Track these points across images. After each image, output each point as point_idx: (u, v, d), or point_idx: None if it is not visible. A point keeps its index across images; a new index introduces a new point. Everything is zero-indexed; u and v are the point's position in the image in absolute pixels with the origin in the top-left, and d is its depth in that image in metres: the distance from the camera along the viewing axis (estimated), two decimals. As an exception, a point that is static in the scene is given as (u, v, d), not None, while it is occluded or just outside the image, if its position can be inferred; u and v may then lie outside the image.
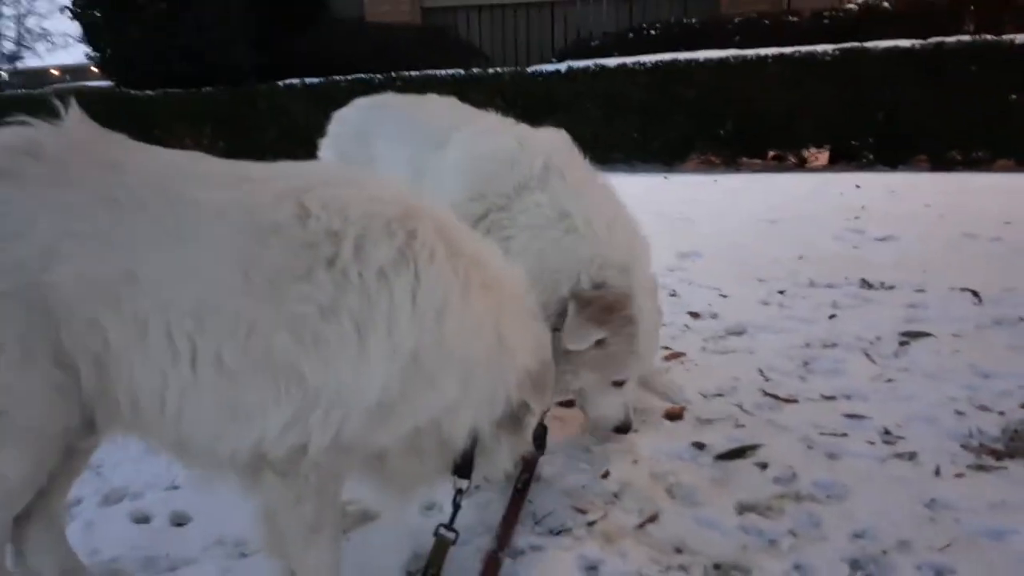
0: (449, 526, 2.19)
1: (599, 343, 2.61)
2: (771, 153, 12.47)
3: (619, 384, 2.76)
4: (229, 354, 1.71)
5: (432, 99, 3.64)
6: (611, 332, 2.60)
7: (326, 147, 3.78)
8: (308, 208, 1.79)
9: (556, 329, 2.58)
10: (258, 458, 1.81)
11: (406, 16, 16.02)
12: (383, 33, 14.34)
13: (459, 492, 2.14)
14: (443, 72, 11.87)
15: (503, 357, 1.97)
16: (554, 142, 2.96)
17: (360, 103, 3.80)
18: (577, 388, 2.80)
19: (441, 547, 2.19)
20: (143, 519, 2.60)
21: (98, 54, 15.38)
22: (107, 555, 2.38)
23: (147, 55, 14.30)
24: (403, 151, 3.28)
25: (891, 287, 4.96)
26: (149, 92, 13.86)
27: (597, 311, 2.58)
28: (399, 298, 1.77)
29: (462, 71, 12.11)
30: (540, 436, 2.64)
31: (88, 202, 1.70)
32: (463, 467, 2.09)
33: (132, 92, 14.12)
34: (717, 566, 2.25)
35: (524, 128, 3.11)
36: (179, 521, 2.58)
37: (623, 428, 2.83)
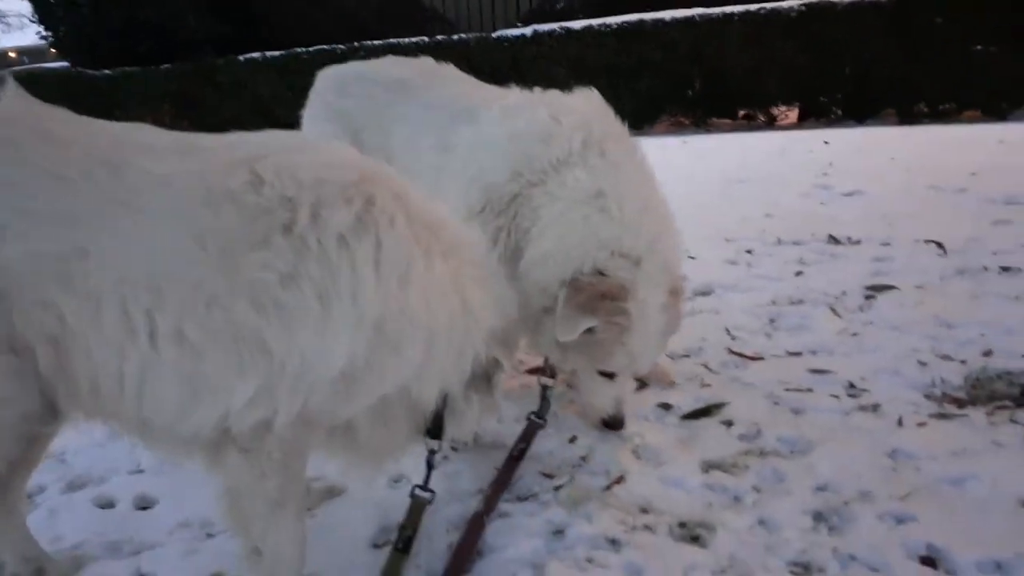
0: (424, 487, 2.21)
1: (588, 330, 2.47)
2: (741, 112, 12.48)
3: (609, 376, 2.62)
4: (189, 327, 1.67)
5: (442, 72, 3.38)
6: (601, 321, 2.45)
7: (319, 118, 3.51)
8: (261, 175, 1.75)
9: (546, 307, 2.53)
10: (222, 435, 1.78)
11: (368, -17, 15.74)
12: (346, 1, 14.09)
13: (432, 453, 2.17)
14: (407, 40, 11.72)
15: (468, 320, 2.00)
16: (591, 112, 2.77)
17: (370, 80, 3.43)
18: (568, 370, 2.73)
19: (417, 507, 2.20)
20: (107, 504, 2.58)
21: (51, 34, 14.98)
22: (70, 541, 2.35)
23: (103, 33, 13.97)
24: (428, 134, 3.07)
25: (857, 242, 4.99)
26: (107, 71, 13.56)
27: (588, 298, 2.43)
28: (362, 266, 1.75)
29: (426, 38, 11.95)
30: (544, 408, 2.79)
31: (33, 178, 1.64)
32: (434, 429, 2.12)
33: (90, 72, 13.82)
34: (682, 524, 2.26)
35: (556, 98, 2.88)
36: (144, 505, 2.56)
37: (611, 423, 2.69)
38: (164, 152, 1.76)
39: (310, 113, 3.57)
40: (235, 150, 1.82)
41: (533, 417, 2.77)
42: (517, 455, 2.60)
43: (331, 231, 1.74)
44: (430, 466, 2.19)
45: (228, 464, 1.82)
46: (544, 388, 2.85)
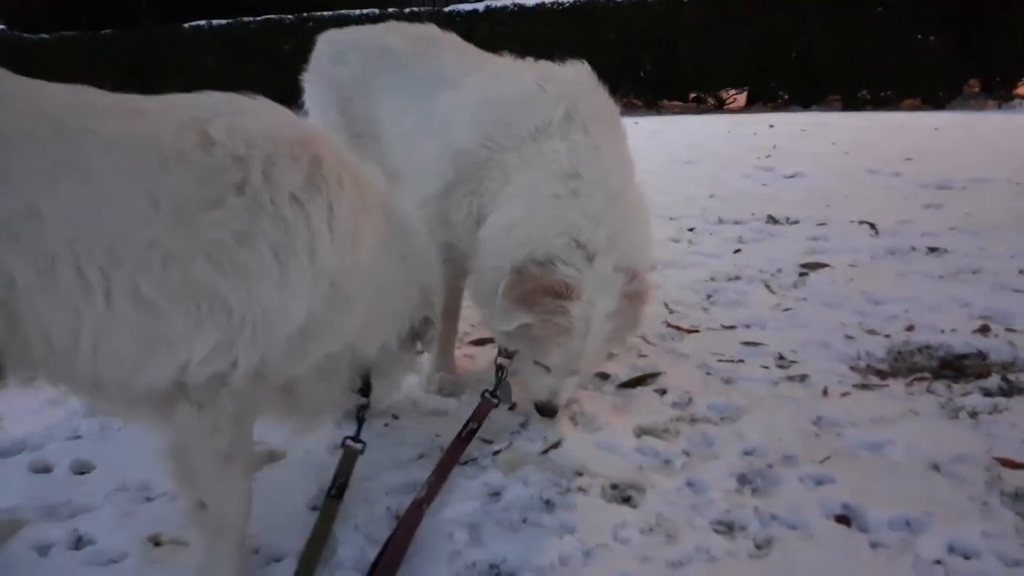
0: (356, 437, 2.26)
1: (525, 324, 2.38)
2: (691, 95, 12.65)
3: (545, 367, 2.51)
4: (146, 285, 1.67)
5: (437, 40, 3.22)
6: (536, 319, 2.34)
7: (315, 84, 3.41)
8: (212, 136, 1.76)
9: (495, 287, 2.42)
10: (174, 389, 1.79)
11: (320, -46, 15.45)
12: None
13: (362, 408, 2.26)
14: (357, 11, 11.59)
15: (406, 276, 2.11)
16: (578, 84, 2.63)
17: (360, 49, 3.29)
18: (513, 347, 2.65)
19: (349, 457, 2.25)
20: (44, 469, 2.55)
21: (-14, -6, 14.42)
22: (4, 505, 2.33)
23: (40, -5, 13.50)
24: (411, 104, 2.95)
25: (795, 222, 5.15)
26: (44, 35, 13.11)
27: (529, 292, 2.31)
28: (316, 225, 1.80)
29: (376, 10, 11.82)
30: (501, 388, 2.73)
31: None
32: (364, 387, 2.23)
33: (25, 36, 13.34)
34: (614, 486, 2.34)
35: (545, 67, 2.77)
36: (81, 470, 2.54)
37: (541, 409, 2.58)
38: (109, 113, 1.75)
39: (308, 78, 3.46)
40: (182, 111, 1.82)
41: (487, 395, 2.69)
42: (466, 436, 2.53)
43: (283, 190, 1.78)
44: (360, 420, 2.27)
45: (179, 418, 1.83)
46: (500, 368, 2.75)
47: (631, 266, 2.40)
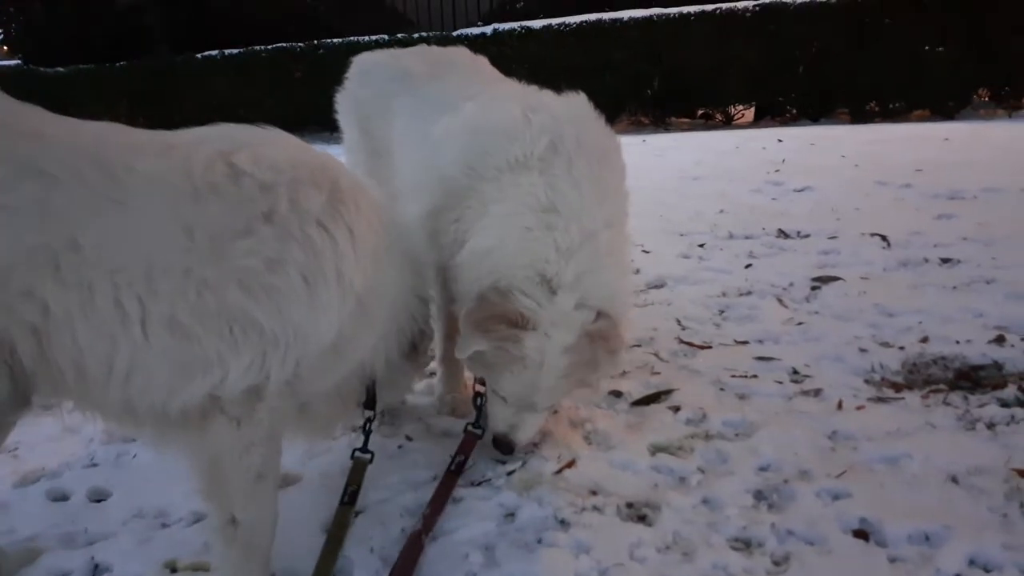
0: (364, 448, 2.38)
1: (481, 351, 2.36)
2: (699, 112, 12.67)
3: (501, 397, 2.47)
4: (182, 312, 1.77)
5: (457, 63, 3.26)
6: (490, 346, 2.32)
7: (344, 105, 3.52)
8: (239, 166, 1.88)
9: None
10: (211, 405, 1.86)
11: (328, -18, 15.66)
12: None
13: (368, 421, 2.38)
14: (367, 38, 11.69)
15: (409, 290, 2.32)
16: (569, 116, 2.53)
17: (381, 70, 3.36)
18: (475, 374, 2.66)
19: (359, 466, 2.36)
20: (61, 497, 2.58)
21: (2, 31, 14.67)
22: (24, 534, 2.35)
23: (56, 30, 13.72)
24: (417, 125, 2.96)
25: (806, 236, 5.13)
26: (60, 69, 13.32)
27: (485, 318, 2.30)
28: (342, 247, 1.94)
29: (386, 36, 11.93)
30: (480, 416, 2.66)
31: (13, 175, 1.68)
32: (369, 400, 2.36)
33: (42, 70, 13.56)
34: (630, 504, 2.34)
35: (540, 97, 2.72)
36: (98, 497, 2.56)
37: (497, 443, 2.53)
38: (143, 149, 1.87)
39: (339, 97, 3.56)
40: (209, 144, 1.93)
41: (469, 427, 2.65)
42: (455, 469, 2.49)
43: (309, 216, 1.90)
44: (367, 432, 2.39)
45: (215, 434, 1.89)
46: (477, 395, 2.70)
47: (598, 306, 2.33)
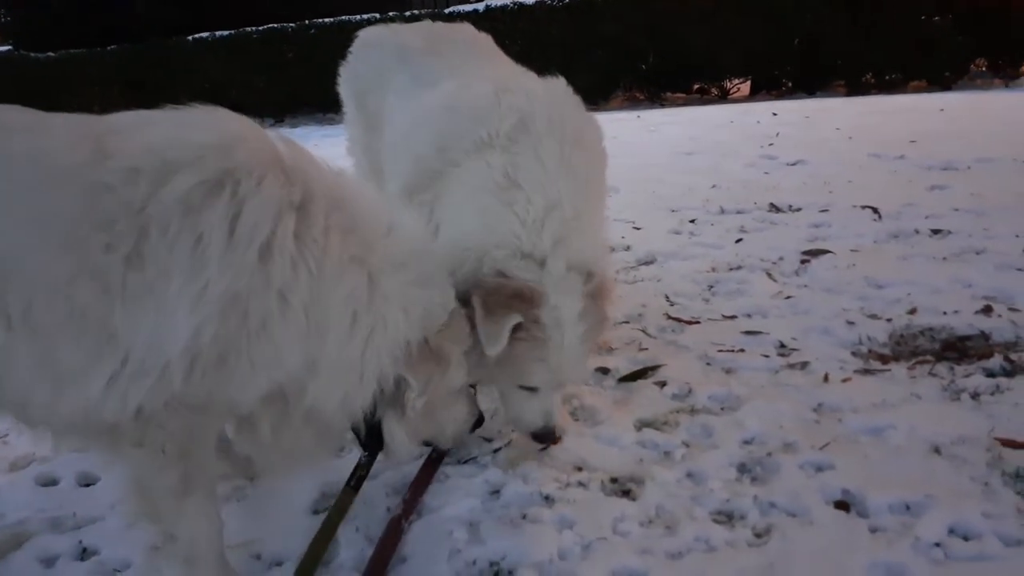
0: (348, 484, 2.23)
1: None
2: (695, 86, 12.59)
3: (531, 390, 2.40)
4: (39, 314, 1.60)
5: (456, 41, 3.19)
6: (523, 317, 2.23)
7: (345, 79, 3.56)
8: (106, 149, 1.66)
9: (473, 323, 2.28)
10: (109, 427, 1.73)
11: (319, -39, 15.52)
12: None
13: (359, 466, 2.23)
14: (359, 16, 11.60)
15: (372, 326, 1.87)
16: (542, 98, 2.51)
17: (381, 44, 3.36)
18: (489, 384, 2.54)
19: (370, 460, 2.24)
20: (50, 482, 2.60)
21: (-10, 16, 14.58)
22: (12, 518, 2.37)
23: (47, 15, 13.62)
24: (404, 105, 2.96)
25: (798, 209, 5.11)
26: (51, 54, 13.24)
27: (505, 298, 2.22)
28: (209, 234, 1.64)
29: (378, 14, 11.85)
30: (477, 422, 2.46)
31: None
32: (368, 442, 2.15)
33: (32, 55, 13.47)
34: (614, 479, 2.35)
35: (518, 78, 2.72)
36: (86, 482, 2.58)
37: (540, 436, 2.44)
38: (14, 131, 1.70)
39: (341, 73, 3.59)
40: (84, 126, 1.74)
41: None
42: (436, 457, 2.45)
43: (175, 201, 1.63)
44: (357, 477, 2.23)
45: (127, 456, 1.80)
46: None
47: (586, 267, 2.33)
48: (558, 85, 2.64)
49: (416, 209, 2.55)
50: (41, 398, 1.67)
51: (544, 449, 2.50)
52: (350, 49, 3.55)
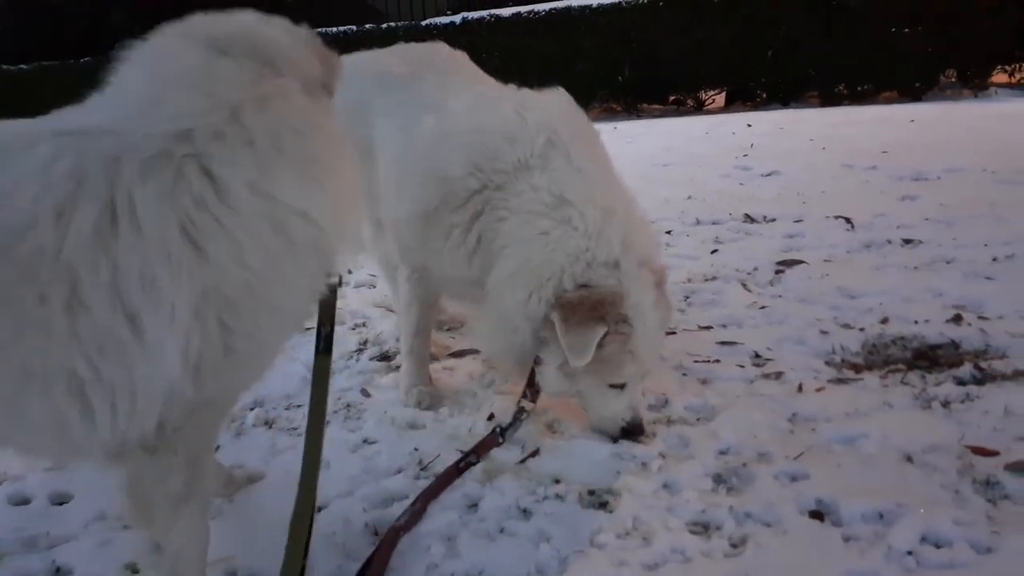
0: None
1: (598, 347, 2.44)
2: (671, 97, 12.71)
3: (618, 386, 2.57)
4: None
5: (436, 62, 3.21)
6: (610, 326, 2.42)
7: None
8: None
9: (543, 339, 2.54)
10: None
11: (295, -27, 15.49)
12: (272, -9, 13.84)
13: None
14: (335, 29, 11.60)
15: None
16: (558, 111, 2.72)
17: (361, 72, 3.18)
18: (574, 392, 2.63)
19: (328, 304, 2.13)
20: (23, 501, 2.56)
21: (-38, 27, 14.43)
22: (-16, 539, 2.34)
23: (19, 27, 13.49)
24: (399, 127, 2.98)
25: (772, 220, 5.18)
26: (23, 66, 13.11)
27: (589, 310, 2.41)
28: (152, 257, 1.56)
29: (354, 27, 11.86)
30: (511, 428, 2.61)
31: None
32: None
33: (7, 67, 13.34)
34: (591, 491, 2.36)
35: (524, 95, 2.84)
36: (60, 500, 2.55)
37: (631, 430, 2.58)
38: None
39: None
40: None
41: (497, 431, 2.61)
42: (463, 467, 2.47)
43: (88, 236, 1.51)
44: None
45: (132, 460, 1.77)
46: (522, 411, 2.66)
47: (648, 259, 2.59)
48: (563, 96, 2.81)
49: (439, 230, 2.67)
50: (49, 453, 1.71)
51: (522, 462, 2.52)
52: (346, 89, 3.48)
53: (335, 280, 2.00)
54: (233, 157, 1.64)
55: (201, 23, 1.85)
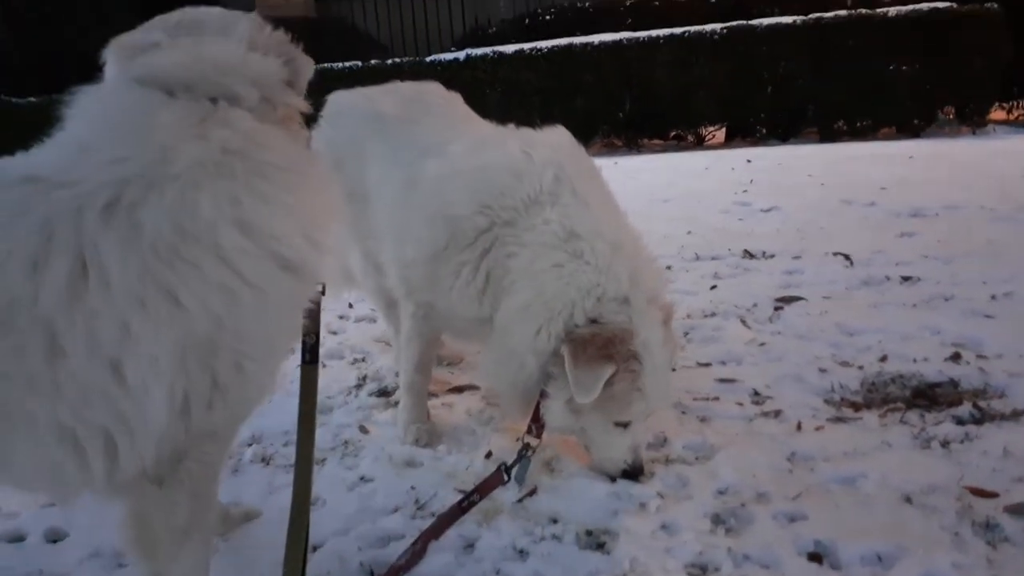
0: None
1: (606, 385, 2.43)
2: (671, 133, 12.81)
3: (623, 424, 2.55)
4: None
5: (431, 104, 3.21)
6: (619, 366, 2.43)
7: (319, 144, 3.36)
8: None
9: (550, 374, 2.54)
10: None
11: (300, 8, 15.74)
12: (276, 26, 14.02)
13: None
14: (340, 65, 11.73)
15: None
16: (561, 148, 2.76)
17: (355, 112, 3.32)
18: (578, 428, 2.62)
19: (313, 314, 2.06)
20: (17, 538, 2.54)
21: (-30, 61, 14.59)
22: (-23, 578, 2.33)
23: (26, 60, 13.66)
24: (396, 170, 3.00)
25: (771, 256, 5.19)
26: (32, 99, 13.24)
27: (598, 348, 2.41)
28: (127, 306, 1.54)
29: (359, 63, 11.99)
30: (519, 468, 2.57)
31: None
32: None
33: (14, 100, 13.46)
34: (589, 532, 2.35)
35: (526, 134, 2.88)
36: (55, 538, 2.53)
37: (632, 472, 2.57)
38: None
39: (314, 137, 3.50)
40: None
41: (503, 468, 2.57)
42: (466, 506, 2.44)
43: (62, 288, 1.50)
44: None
45: (137, 492, 1.78)
46: (527, 447, 2.63)
47: (656, 295, 2.61)
48: (564, 134, 2.85)
49: (448, 269, 2.68)
50: (48, 492, 1.72)
51: (519, 501, 2.51)
52: (322, 114, 3.43)
53: (318, 291, 1.95)
54: (178, 200, 1.59)
55: (155, 59, 1.80)
